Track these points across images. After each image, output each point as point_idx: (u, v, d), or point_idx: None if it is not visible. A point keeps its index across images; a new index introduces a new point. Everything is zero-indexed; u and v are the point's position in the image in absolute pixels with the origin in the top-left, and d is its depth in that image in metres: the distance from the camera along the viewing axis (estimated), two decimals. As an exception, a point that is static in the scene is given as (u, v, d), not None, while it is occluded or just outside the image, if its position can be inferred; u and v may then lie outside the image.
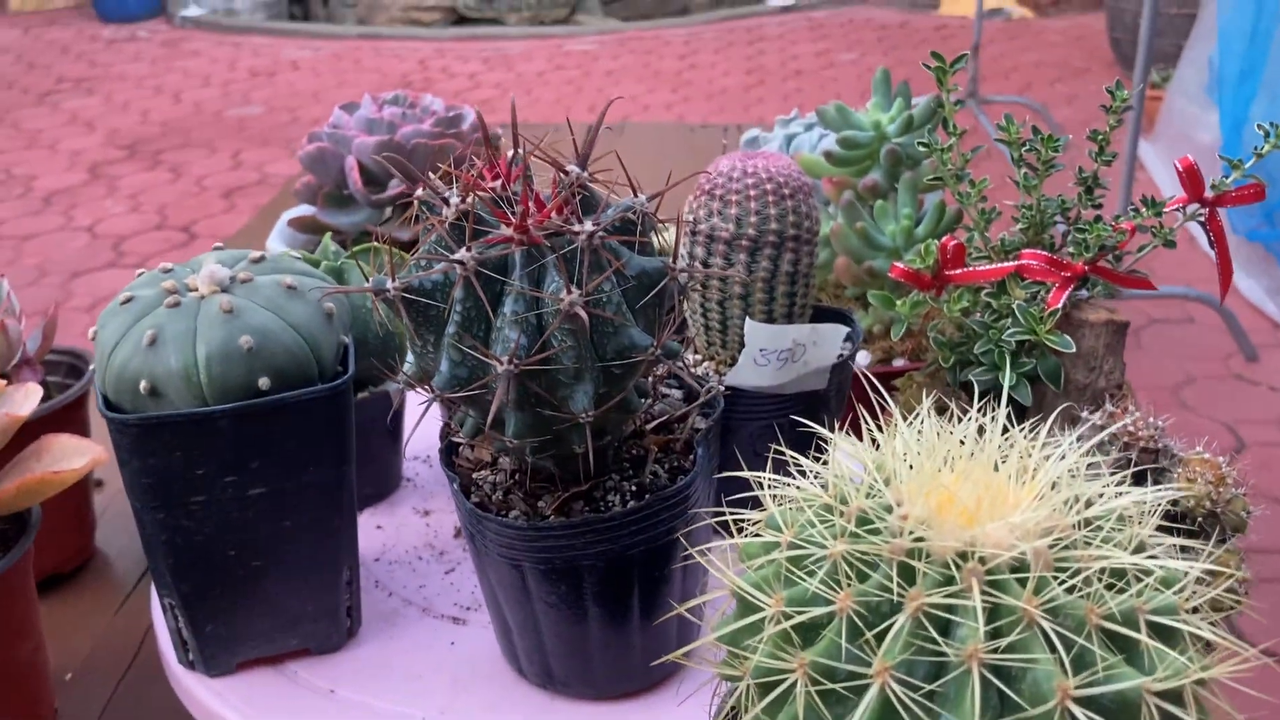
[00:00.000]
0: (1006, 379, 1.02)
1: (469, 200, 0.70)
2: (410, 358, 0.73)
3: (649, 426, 0.83)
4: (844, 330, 0.92)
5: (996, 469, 0.59)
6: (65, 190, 4.65)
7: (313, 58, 6.65)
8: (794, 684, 0.53)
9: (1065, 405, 1.02)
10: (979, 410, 1.04)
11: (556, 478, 0.77)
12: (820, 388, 0.93)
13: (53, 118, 5.58)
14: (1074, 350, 0.98)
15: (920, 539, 0.54)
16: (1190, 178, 1.02)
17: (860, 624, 0.53)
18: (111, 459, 0.91)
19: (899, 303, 1.12)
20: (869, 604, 0.53)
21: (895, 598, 0.52)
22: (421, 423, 1.13)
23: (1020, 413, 1.07)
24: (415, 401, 1.10)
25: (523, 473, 0.78)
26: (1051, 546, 0.53)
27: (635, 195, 0.72)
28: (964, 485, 0.57)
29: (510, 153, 0.73)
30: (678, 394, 0.87)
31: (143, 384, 0.75)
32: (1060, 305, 1.00)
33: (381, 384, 1.00)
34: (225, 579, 0.81)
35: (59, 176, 4.82)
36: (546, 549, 0.74)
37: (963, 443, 0.61)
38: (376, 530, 1.01)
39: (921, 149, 1.03)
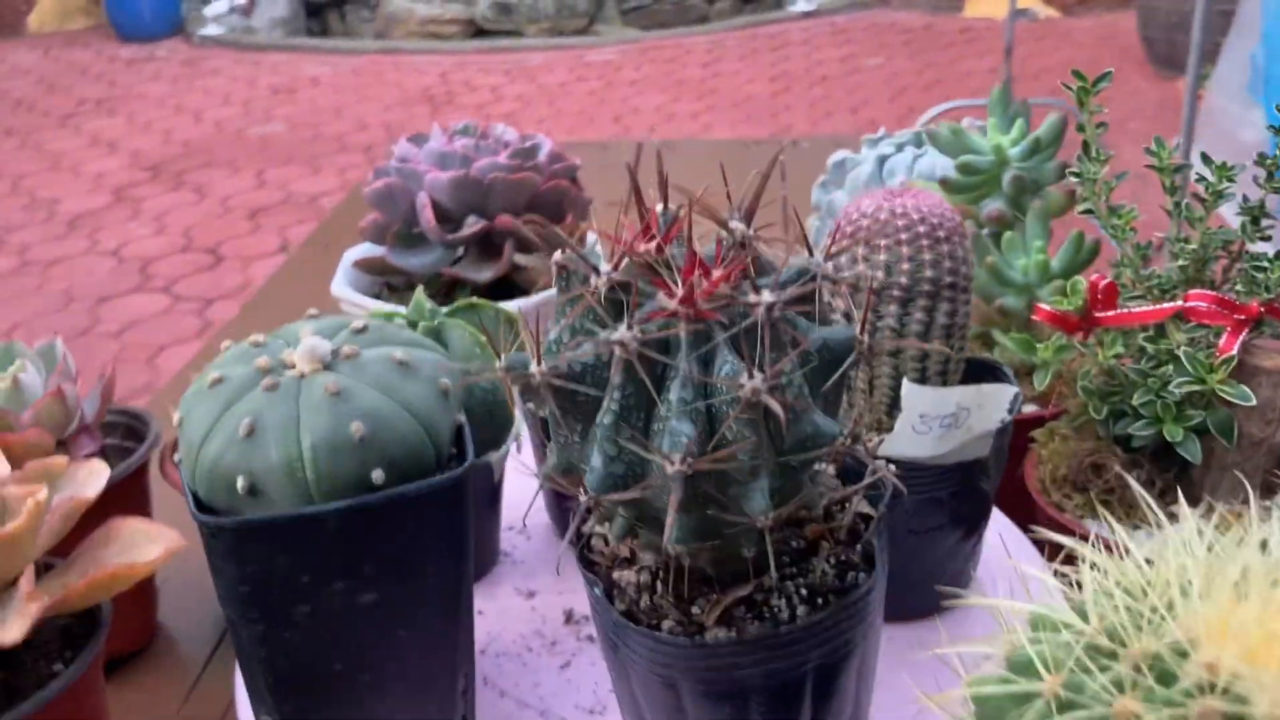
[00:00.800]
0: (1171, 434, 0.91)
1: (625, 264, 0.60)
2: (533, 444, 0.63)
3: (814, 513, 0.73)
4: (1011, 391, 0.81)
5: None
6: (90, 213, 4.59)
7: (332, 73, 6.57)
8: None
9: (1238, 461, 0.92)
10: (1141, 467, 0.93)
11: (712, 578, 0.67)
12: (982, 455, 0.83)
13: (75, 139, 5.52)
14: (1252, 402, 0.88)
15: (1239, 698, 0.43)
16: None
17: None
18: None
19: (1041, 347, 1.02)
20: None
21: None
22: (517, 489, 1.04)
23: (1184, 470, 0.97)
24: (513, 467, 1.00)
25: (671, 572, 0.68)
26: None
27: (809, 253, 0.62)
28: (1278, 618, 0.47)
29: (659, 207, 0.63)
30: (830, 470, 0.76)
31: (240, 481, 0.65)
32: (1234, 351, 0.90)
33: (482, 454, 0.90)
34: (331, 696, 0.71)
35: (83, 199, 4.75)
36: (710, 668, 0.64)
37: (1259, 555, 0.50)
38: (478, 616, 0.91)
39: (1073, 178, 0.93)
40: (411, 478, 0.67)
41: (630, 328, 0.57)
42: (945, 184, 1.13)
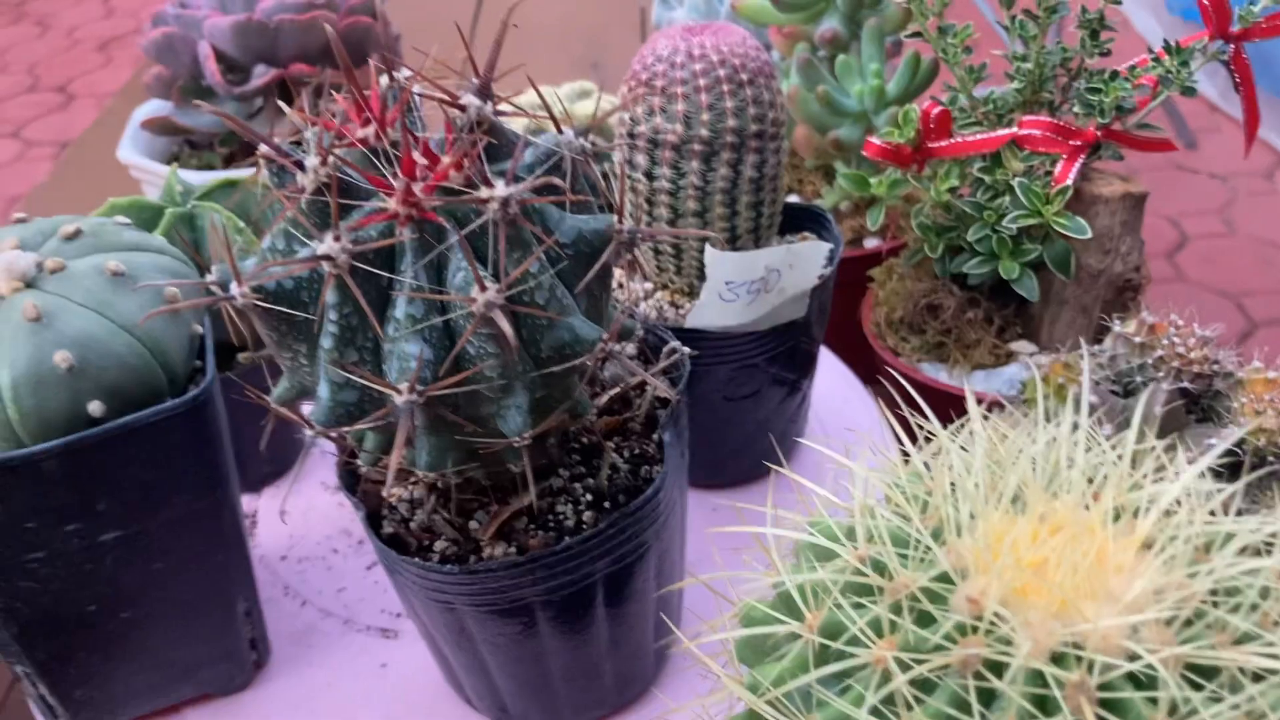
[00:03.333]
0: (1008, 270, 0.86)
1: (331, 161, 0.51)
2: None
3: (597, 403, 0.67)
4: (825, 248, 0.75)
5: (1087, 506, 0.43)
6: (-83, 55, 4.24)
7: (178, -118, 6.07)
8: None
9: (1077, 295, 0.87)
10: (979, 305, 0.88)
11: (488, 489, 0.61)
12: (799, 316, 0.76)
13: (-108, -29, 5.06)
14: (1088, 235, 0.82)
15: (1002, 639, 0.39)
16: (1217, 9, 0.84)
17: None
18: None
19: (874, 181, 0.95)
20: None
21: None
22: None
23: (1023, 305, 0.92)
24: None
25: (447, 486, 0.61)
26: (1181, 636, 0.38)
27: (559, 130, 0.54)
28: (1050, 541, 0.42)
29: (383, 80, 0.54)
30: (629, 349, 0.70)
31: (-68, 427, 0.57)
32: (1070, 180, 0.84)
33: (265, 345, 0.82)
34: (89, 638, 0.65)
35: (-92, 40, 4.39)
36: (487, 590, 0.58)
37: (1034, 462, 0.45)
38: (281, 518, 0.85)
39: (898, -3, 0.84)
40: (140, 405, 0.59)
41: (338, 239, 0.49)
42: (777, 2, 1.04)
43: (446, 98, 0.52)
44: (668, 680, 0.70)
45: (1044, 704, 0.38)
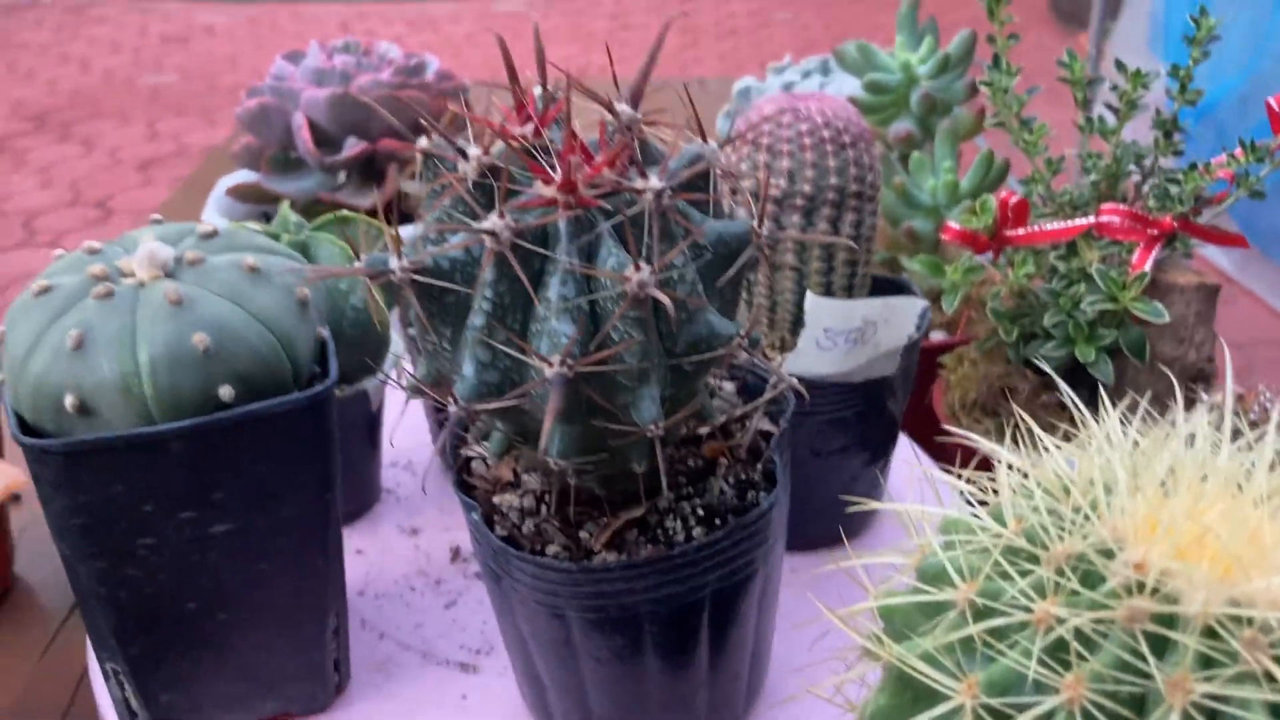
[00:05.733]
0: (1084, 354, 0.88)
1: (493, 152, 0.53)
2: (401, 352, 0.57)
3: (702, 430, 0.68)
4: (920, 304, 0.77)
5: (1240, 486, 0.44)
6: (-34, 166, 4.36)
7: (228, 22, 6.33)
8: (1015, 807, 0.38)
9: (1151, 382, 0.89)
10: (1053, 390, 0.90)
11: (602, 500, 0.62)
12: (889, 373, 0.78)
13: (-51, 89, 5.24)
14: (1165, 320, 0.85)
15: (1169, 597, 0.39)
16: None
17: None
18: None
19: (950, 269, 0.98)
20: (1107, 692, 0.39)
21: (1146, 683, 0.38)
22: (405, 425, 0.97)
23: (1095, 393, 0.94)
24: (396, 399, 0.94)
25: (556, 494, 0.62)
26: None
27: (704, 139, 0.56)
28: (1205, 517, 0.42)
29: (537, 90, 0.57)
30: (729, 387, 0.71)
31: (69, 399, 0.58)
32: (1147, 267, 0.87)
33: (357, 380, 0.83)
34: (184, 638, 0.64)
35: (-41, 151, 4.51)
36: (599, 595, 0.58)
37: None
38: (357, 556, 0.85)
39: (984, 87, 0.88)
40: (266, 395, 0.61)
41: (502, 216, 0.51)
42: (853, 103, 1.08)
43: (602, 102, 0.55)
44: (759, 718, 0.69)
45: (1207, 663, 0.38)
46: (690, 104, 0.56)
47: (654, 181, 0.51)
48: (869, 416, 0.79)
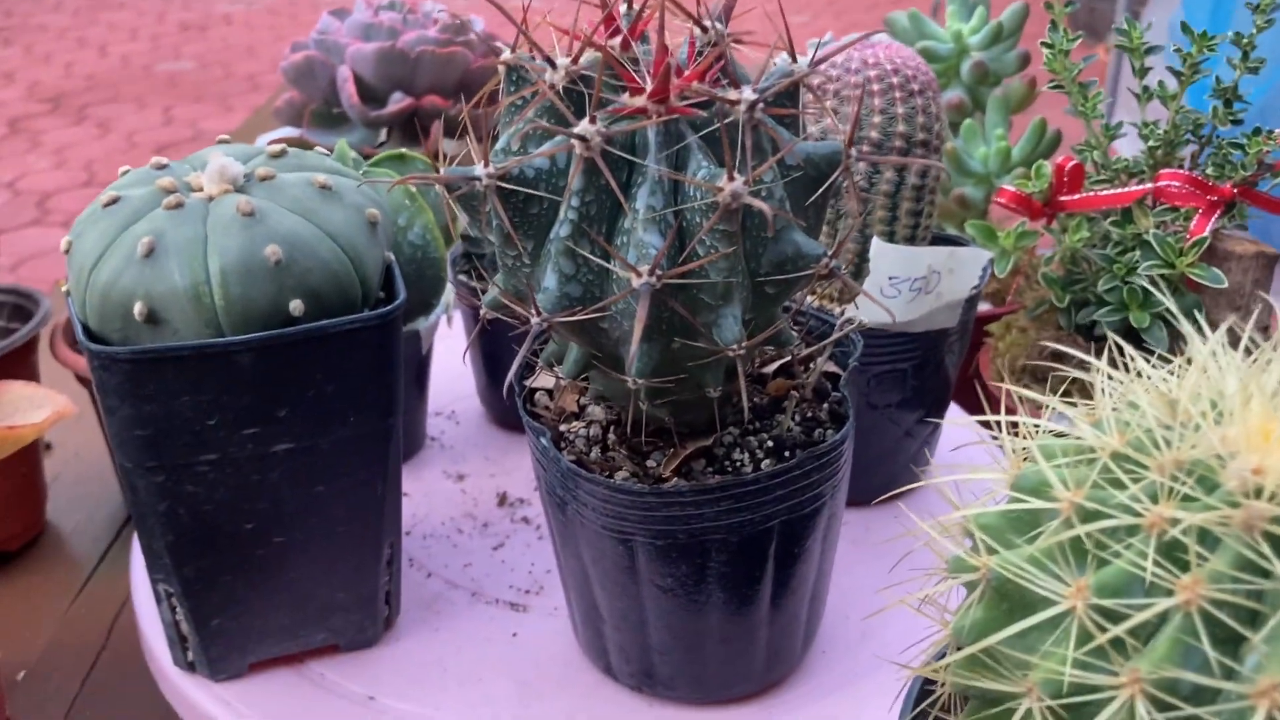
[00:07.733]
0: (1139, 320, 0.87)
1: (582, 61, 0.53)
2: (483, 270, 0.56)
3: (768, 369, 0.67)
4: (985, 256, 0.76)
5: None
6: (-18, 143, 4.36)
7: (246, 11, 6.33)
8: (1128, 704, 0.37)
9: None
10: (1101, 355, 0.89)
11: (672, 430, 0.61)
12: (950, 325, 0.77)
13: (-34, 68, 5.24)
14: (1223, 285, 0.84)
15: (1288, 501, 0.38)
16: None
17: (1218, 623, 0.37)
18: (75, 416, 0.74)
19: (1003, 234, 0.97)
20: (1220, 600, 0.38)
21: (1266, 583, 0.37)
22: (447, 375, 0.97)
23: (1147, 360, 0.92)
24: (441, 343, 0.93)
25: (625, 425, 0.61)
26: None
27: (794, 59, 0.56)
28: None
29: (624, 5, 0.56)
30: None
31: (138, 306, 0.57)
32: (1206, 233, 0.86)
33: (409, 321, 0.82)
34: (239, 561, 0.64)
35: (-25, 129, 4.51)
36: (669, 520, 0.57)
37: None
38: (404, 498, 0.84)
39: (1044, 48, 0.88)
40: (335, 313, 0.60)
41: (594, 121, 0.50)
42: (902, 72, 1.08)
43: (692, 16, 0.54)
44: (813, 664, 0.68)
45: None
46: (784, 19, 0.55)
47: (747, 93, 0.51)
48: (925, 370, 0.78)
